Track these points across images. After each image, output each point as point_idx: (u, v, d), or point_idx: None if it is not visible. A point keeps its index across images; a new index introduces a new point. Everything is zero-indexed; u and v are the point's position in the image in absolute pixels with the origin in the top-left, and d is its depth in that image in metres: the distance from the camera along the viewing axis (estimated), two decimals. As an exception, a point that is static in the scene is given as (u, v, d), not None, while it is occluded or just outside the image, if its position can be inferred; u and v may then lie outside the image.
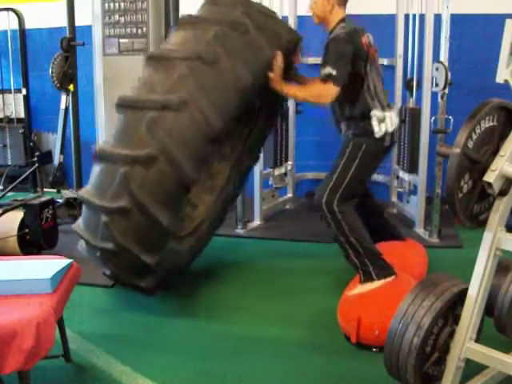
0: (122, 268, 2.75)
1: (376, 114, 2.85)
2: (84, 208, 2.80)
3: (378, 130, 2.85)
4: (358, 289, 2.77)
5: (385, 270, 2.78)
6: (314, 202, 2.87)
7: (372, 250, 2.82)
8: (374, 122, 2.85)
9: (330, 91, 2.73)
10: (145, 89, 2.62)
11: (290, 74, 3.12)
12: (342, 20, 2.90)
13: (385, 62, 4.84)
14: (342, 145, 2.97)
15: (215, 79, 2.57)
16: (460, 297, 1.98)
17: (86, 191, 2.73)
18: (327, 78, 2.72)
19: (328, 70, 2.72)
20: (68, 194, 4.76)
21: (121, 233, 2.57)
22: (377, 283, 2.75)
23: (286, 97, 3.34)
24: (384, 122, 2.85)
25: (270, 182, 4.64)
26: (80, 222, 2.85)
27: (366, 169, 2.93)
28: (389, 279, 2.76)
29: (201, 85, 2.54)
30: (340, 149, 2.96)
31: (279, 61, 2.81)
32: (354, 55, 2.77)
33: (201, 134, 2.57)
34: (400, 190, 4.67)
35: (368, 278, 2.77)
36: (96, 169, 2.71)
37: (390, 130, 2.88)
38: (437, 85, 3.85)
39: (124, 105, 2.66)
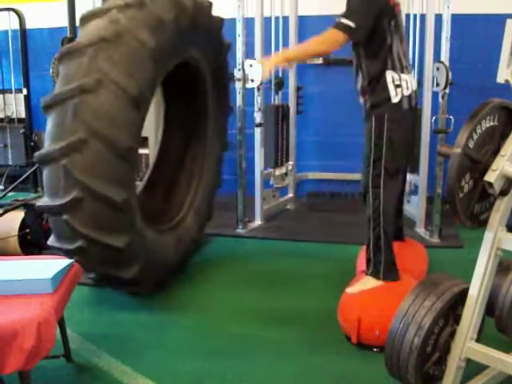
0: (99, 261, 2.76)
1: (392, 75, 2.74)
2: (50, 218, 2.84)
3: (394, 94, 2.74)
4: (360, 283, 2.78)
5: (392, 274, 2.79)
6: (361, 188, 2.85)
7: (390, 250, 2.80)
8: (390, 86, 2.75)
9: (337, 38, 2.57)
10: (63, 82, 2.70)
11: None
12: None
13: (385, 61, 4.84)
14: (365, 121, 2.88)
15: (121, 52, 2.68)
16: (461, 297, 1.98)
17: (43, 201, 2.79)
18: (341, 28, 2.56)
19: (346, 21, 2.56)
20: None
21: (82, 225, 2.62)
22: (378, 283, 2.76)
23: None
24: (400, 86, 2.75)
25: (270, 182, 4.64)
26: (52, 236, 2.87)
27: (396, 138, 2.78)
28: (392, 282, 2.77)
29: (110, 61, 2.64)
30: (365, 126, 2.87)
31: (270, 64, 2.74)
32: (380, 11, 2.64)
33: (121, 103, 2.65)
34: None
35: (375, 275, 2.77)
36: (44, 175, 2.78)
37: (407, 93, 2.76)
38: (438, 85, 3.85)
39: (48, 105, 2.74)
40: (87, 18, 2.81)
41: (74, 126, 2.60)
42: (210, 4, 3.31)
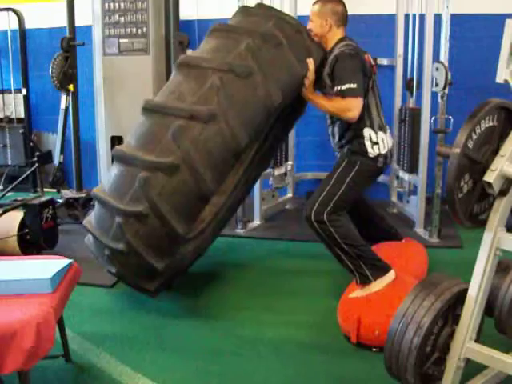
0: (130, 269, 2.74)
1: (369, 133, 2.86)
2: (97, 206, 2.79)
3: (372, 150, 2.86)
4: (357, 292, 2.77)
5: (379, 268, 2.78)
6: (304, 213, 2.85)
7: (365, 251, 2.80)
8: (367, 143, 2.86)
9: (355, 104, 2.73)
10: (174, 96, 2.59)
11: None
12: (342, 40, 2.89)
13: (385, 62, 4.84)
14: (338, 159, 2.98)
15: (246, 94, 2.55)
16: (460, 297, 1.98)
17: (102, 191, 2.72)
18: (350, 94, 2.71)
19: (346, 85, 2.71)
20: (68, 194, 4.76)
21: (134, 236, 2.57)
22: (375, 284, 2.75)
23: (307, 107, 3.32)
24: (377, 144, 2.86)
25: (269, 182, 4.64)
26: (91, 218, 2.84)
27: (357, 187, 2.90)
28: (386, 277, 2.76)
29: (231, 98, 2.52)
30: (335, 163, 2.96)
31: (312, 70, 2.80)
32: (363, 71, 2.78)
33: (226, 147, 2.56)
34: (400, 190, 4.67)
35: (365, 280, 2.77)
36: (114, 169, 2.70)
37: (383, 152, 2.88)
38: (437, 85, 3.85)
39: (151, 109, 2.64)
40: (219, 31, 2.65)
41: (170, 147, 2.51)
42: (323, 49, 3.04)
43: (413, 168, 4.29)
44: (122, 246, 2.61)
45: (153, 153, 2.54)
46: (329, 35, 2.90)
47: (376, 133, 2.87)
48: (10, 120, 5.72)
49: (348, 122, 2.84)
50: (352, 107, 2.74)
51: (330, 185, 2.85)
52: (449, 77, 3.77)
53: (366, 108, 2.83)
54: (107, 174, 2.74)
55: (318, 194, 2.84)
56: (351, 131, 2.88)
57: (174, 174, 2.51)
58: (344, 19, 2.95)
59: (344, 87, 2.72)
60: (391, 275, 2.78)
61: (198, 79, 2.54)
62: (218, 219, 3.20)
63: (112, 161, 2.85)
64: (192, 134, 2.51)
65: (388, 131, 3.01)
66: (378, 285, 2.75)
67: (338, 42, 2.88)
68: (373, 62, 2.94)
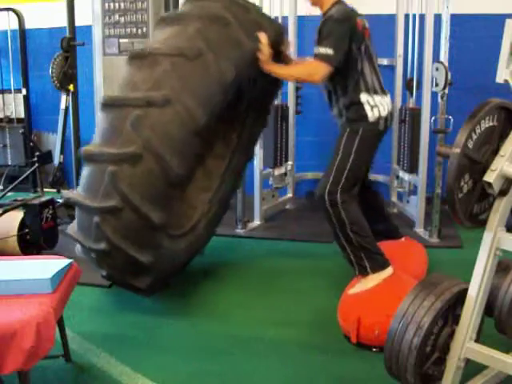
0: (117, 268, 2.74)
1: (367, 98, 2.83)
2: (76, 210, 2.80)
3: (371, 114, 2.83)
4: (358, 286, 2.78)
5: (379, 263, 2.79)
6: (316, 195, 2.85)
7: (369, 243, 2.81)
8: (367, 107, 2.83)
9: (322, 69, 2.71)
10: (129, 87, 2.61)
11: (282, 61, 3.06)
12: (335, 3, 2.85)
13: (385, 61, 4.83)
14: (340, 130, 2.95)
15: (198, 74, 2.57)
16: (460, 297, 1.98)
17: (76, 193, 2.73)
18: (322, 58, 2.70)
19: (324, 49, 2.69)
20: (68, 194, 4.75)
21: (113, 232, 2.57)
22: (372, 278, 2.76)
23: (275, 90, 3.37)
24: (376, 106, 2.84)
25: (270, 182, 4.64)
26: (74, 224, 2.85)
27: (364, 154, 2.88)
28: (383, 272, 2.77)
29: (184, 80, 2.54)
30: (337, 137, 2.93)
31: (265, 42, 2.77)
32: (351, 37, 2.75)
33: (185, 128, 2.57)
34: (400, 190, 4.67)
35: (363, 272, 2.78)
36: (85, 170, 2.71)
37: (383, 114, 2.86)
38: (437, 85, 3.85)
39: (109, 104, 2.66)
40: (167, 21, 2.69)
41: (130, 137, 2.52)
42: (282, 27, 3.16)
43: (413, 168, 4.29)
44: (103, 246, 2.60)
45: (115, 145, 2.54)
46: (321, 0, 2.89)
47: (372, 97, 2.84)
48: (10, 120, 5.72)
49: (313, 83, 2.83)
50: (319, 71, 2.72)
51: (338, 160, 2.83)
52: (449, 77, 3.77)
53: (359, 73, 2.82)
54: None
55: (328, 172, 2.83)
56: (348, 98, 2.86)
57: (139, 164, 2.51)
58: None
59: (320, 50, 2.70)
60: (389, 271, 2.79)
61: (150, 67, 2.56)
62: (210, 216, 3.29)
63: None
64: (150, 121, 2.51)
65: (388, 95, 2.97)
66: (375, 278, 2.76)
67: (332, 6, 2.85)
68: (366, 25, 2.88)
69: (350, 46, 2.76)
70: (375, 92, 2.87)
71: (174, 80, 2.51)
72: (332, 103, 3.00)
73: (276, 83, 3.28)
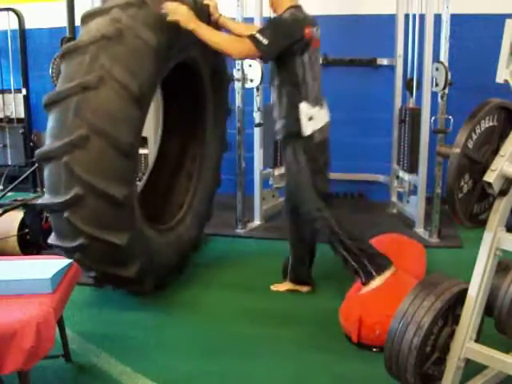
0: (101, 260, 2.78)
1: (304, 107, 2.84)
2: (50, 217, 2.87)
3: (305, 129, 2.84)
4: (365, 289, 2.78)
5: (382, 264, 2.81)
6: (303, 219, 2.99)
7: (367, 247, 2.87)
8: (303, 118, 2.83)
9: (247, 49, 2.72)
10: (65, 81, 2.71)
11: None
12: (293, 7, 2.87)
13: (385, 61, 4.85)
14: (283, 148, 3.02)
15: (123, 50, 2.70)
16: (460, 297, 1.98)
17: (44, 198, 2.81)
18: (255, 42, 2.70)
19: (261, 37, 2.70)
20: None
21: (84, 222, 2.64)
22: (378, 279, 2.77)
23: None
24: (312, 119, 2.85)
25: (270, 182, 4.64)
26: (52, 235, 2.90)
27: (316, 166, 2.91)
28: (387, 272, 2.80)
29: (112, 59, 2.66)
30: (284, 154, 3.01)
31: (181, 6, 2.78)
32: (291, 41, 2.76)
33: (124, 100, 2.67)
34: (400, 190, 4.67)
35: (369, 277, 2.78)
36: (45, 172, 2.79)
37: (317, 126, 2.88)
38: (437, 85, 3.85)
39: (50, 102, 2.75)
40: (88, 17, 2.82)
41: (75, 124, 2.61)
42: (208, 5, 3.26)
43: (413, 168, 4.29)
44: (80, 240, 2.67)
45: (63, 136, 2.64)
46: (276, 2, 2.92)
47: (311, 108, 2.85)
48: (10, 120, 5.72)
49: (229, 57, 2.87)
50: (242, 49, 2.75)
51: (300, 184, 2.92)
52: (449, 77, 3.77)
53: (302, 81, 2.83)
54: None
55: (302, 197, 2.93)
56: (288, 104, 2.87)
57: (88, 145, 2.60)
58: None
59: (257, 35, 2.71)
60: (392, 269, 2.81)
61: (80, 56, 2.69)
62: (195, 212, 3.55)
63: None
64: (90, 104, 2.62)
65: (325, 107, 2.99)
66: (379, 279, 2.78)
67: (286, 10, 2.86)
68: (316, 36, 2.90)
69: (292, 49, 2.77)
70: (315, 103, 2.88)
71: (102, 61, 2.64)
72: (275, 106, 3.00)
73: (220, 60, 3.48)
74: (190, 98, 3.64)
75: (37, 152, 2.78)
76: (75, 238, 2.68)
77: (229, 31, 3.19)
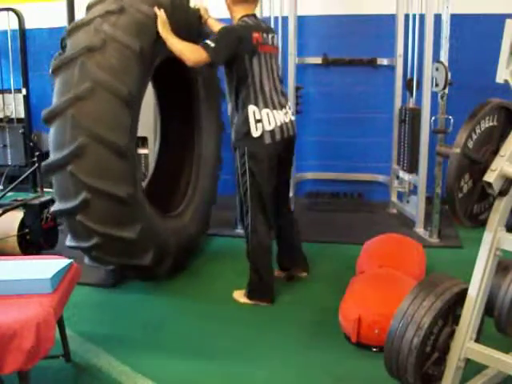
0: (115, 254, 2.98)
1: (253, 110, 2.94)
2: (64, 222, 3.03)
3: (255, 129, 2.94)
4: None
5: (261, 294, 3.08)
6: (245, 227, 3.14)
7: (266, 276, 3.08)
8: (251, 120, 2.93)
9: (201, 54, 2.88)
10: (59, 94, 2.86)
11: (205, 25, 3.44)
12: (246, 16, 3.04)
13: (385, 61, 4.85)
14: (234, 154, 3.09)
15: (109, 57, 2.83)
16: (460, 297, 1.98)
17: (55, 206, 2.98)
18: (204, 46, 2.89)
19: (208, 41, 2.89)
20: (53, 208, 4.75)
21: (94, 223, 2.83)
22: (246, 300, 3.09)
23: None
24: (260, 121, 2.94)
25: (269, 182, 4.63)
26: (68, 237, 3.07)
27: (258, 170, 2.98)
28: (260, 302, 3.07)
29: (99, 68, 2.79)
30: (234, 160, 3.10)
31: (159, 14, 2.96)
32: (239, 44, 2.91)
33: (115, 104, 2.81)
34: (400, 190, 4.67)
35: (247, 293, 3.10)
36: (53, 183, 2.96)
37: (268, 128, 2.95)
38: (437, 85, 3.85)
39: (48, 117, 2.89)
40: (73, 30, 2.95)
41: (74, 134, 2.76)
42: (198, 9, 3.46)
43: (413, 168, 4.29)
44: (94, 239, 2.88)
45: (65, 147, 2.79)
46: (231, 13, 3.12)
47: (260, 109, 2.94)
48: (10, 120, 5.72)
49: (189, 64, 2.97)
50: (194, 54, 2.91)
51: (240, 185, 3.05)
52: (449, 77, 3.77)
53: (250, 83, 2.95)
54: None
55: (241, 206, 3.12)
56: (239, 108, 3.00)
57: (88, 152, 2.76)
58: None
59: (206, 41, 2.91)
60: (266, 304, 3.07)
61: (70, 69, 2.83)
62: (196, 201, 3.74)
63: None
64: (84, 113, 2.76)
65: (284, 110, 3.07)
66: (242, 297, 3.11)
67: (239, 19, 3.05)
68: (266, 41, 3.03)
69: (240, 53, 2.92)
70: (265, 105, 2.96)
71: (90, 72, 2.78)
72: (230, 109, 3.11)
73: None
74: (181, 86, 3.77)
75: (43, 165, 2.94)
76: (90, 238, 2.88)
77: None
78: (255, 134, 2.93)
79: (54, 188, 2.96)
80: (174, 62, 3.33)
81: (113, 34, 2.83)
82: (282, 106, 3.06)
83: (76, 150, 2.75)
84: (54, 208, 2.99)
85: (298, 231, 3.44)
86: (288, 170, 3.31)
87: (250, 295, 3.09)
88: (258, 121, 2.93)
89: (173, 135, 4.03)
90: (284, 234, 3.36)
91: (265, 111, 2.95)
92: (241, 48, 2.91)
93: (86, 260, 3.14)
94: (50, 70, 2.94)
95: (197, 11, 3.42)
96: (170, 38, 2.97)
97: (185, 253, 3.49)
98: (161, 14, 2.97)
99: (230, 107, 3.13)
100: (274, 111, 2.99)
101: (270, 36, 3.07)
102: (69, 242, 3.04)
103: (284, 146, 3.08)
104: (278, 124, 2.99)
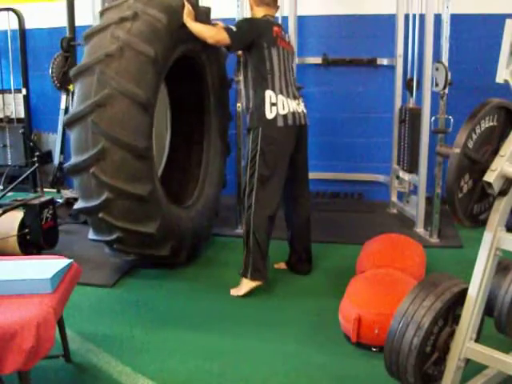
0: (136, 246, 3.21)
1: (270, 94, 3.15)
2: (76, 181, 3.18)
3: (269, 112, 3.13)
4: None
5: (260, 274, 3.18)
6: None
7: (261, 252, 3.19)
8: (267, 102, 3.14)
9: (222, 35, 3.13)
10: (79, 100, 3.01)
11: None
12: (267, 15, 3.30)
13: (385, 61, 4.85)
14: (247, 138, 3.29)
15: (125, 64, 2.96)
16: (460, 297, 1.98)
17: (78, 204, 3.17)
18: (226, 28, 3.15)
19: (231, 26, 3.16)
20: (68, 194, 4.76)
21: (116, 219, 3.04)
22: (249, 282, 3.16)
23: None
24: (276, 105, 3.14)
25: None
26: (91, 231, 3.30)
27: (269, 151, 3.14)
28: (254, 283, 3.17)
29: (117, 73, 2.94)
30: (246, 144, 3.31)
31: (186, 5, 3.21)
32: (259, 34, 3.16)
33: (133, 109, 2.96)
34: (400, 189, 4.67)
35: (244, 275, 3.18)
36: (75, 183, 3.17)
37: (282, 112, 3.14)
38: (437, 85, 3.85)
39: (70, 122, 3.05)
40: (90, 36, 3.09)
41: (95, 138, 2.94)
42: (209, 8, 3.59)
43: (413, 168, 4.29)
44: (116, 234, 3.09)
45: (88, 150, 2.97)
46: (253, 13, 3.37)
47: (276, 95, 3.16)
48: (10, 120, 5.72)
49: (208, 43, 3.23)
50: (217, 35, 3.16)
51: (248, 163, 3.19)
52: (449, 77, 3.76)
53: (269, 72, 3.17)
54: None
55: (244, 176, 3.22)
56: (255, 93, 3.20)
57: (110, 155, 2.94)
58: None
59: (229, 26, 3.18)
60: (258, 283, 3.18)
61: (89, 76, 2.98)
62: (206, 192, 3.92)
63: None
64: (104, 119, 2.93)
65: (296, 101, 3.26)
66: (245, 285, 3.17)
67: (261, 17, 3.30)
68: (284, 37, 3.31)
69: (260, 41, 3.15)
70: (280, 92, 3.18)
71: (108, 79, 2.92)
72: (244, 96, 3.34)
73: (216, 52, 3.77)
74: (190, 77, 3.89)
75: (65, 166, 3.17)
76: (112, 232, 3.11)
77: None
78: (269, 116, 3.12)
79: (77, 189, 3.17)
80: (184, 56, 3.46)
81: (127, 41, 2.95)
82: (296, 98, 3.26)
83: (97, 153, 2.92)
84: (76, 206, 3.18)
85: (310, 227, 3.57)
86: (305, 155, 3.42)
87: (252, 276, 3.17)
88: (273, 104, 3.13)
89: (183, 125, 4.14)
90: (299, 222, 3.47)
91: (280, 97, 3.16)
92: (261, 37, 3.15)
93: (106, 250, 3.38)
94: (72, 75, 3.10)
95: (206, 10, 3.56)
96: (193, 24, 3.21)
97: (199, 241, 3.71)
98: (187, 5, 3.21)
99: (243, 93, 3.36)
100: (288, 99, 3.19)
101: (287, 36, 3.36)
102: (91, 235, 3.28)
103: (296, 134, 3.24)
104: (291, 110, 3.18)
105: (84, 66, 3.00)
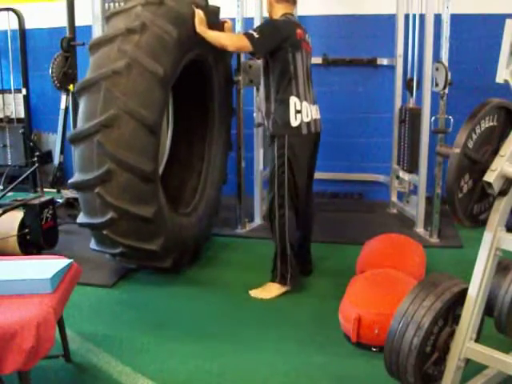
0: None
1: (294, 101, 3.07)
2: (80, 197, 3.12)
3: (294, 120, 3.06)
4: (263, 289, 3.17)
5: (295, 279, 3.18)
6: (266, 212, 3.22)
7: (296, 258, 3.19)
8: (292, 110, 3.06)
9: (244, 43, 3.02)
10: (85, 118, 2.94)
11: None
12: (283, 15, 3.17)
13: (385, 61, 4.84)
14: (269, 145, 3.22)
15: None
16: (460, 297, 1.98)
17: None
18: (247, 35, 3.03)
19: (252, 31, 3.04)
20: (68, 194, 4.76)
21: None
22: (281, 288, 3.17)
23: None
24: (300, 112, 3.08)
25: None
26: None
27: (296, 160, 3.10)
28: (283, 288, 3.17)
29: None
30: (269, 151, 3.23)
31: (197, 12, 3.15)
32: (283, 38, 3.03)
33: (140, 131, 2.90)
34: (400, 189, 4.67)
35: (281, 281, 3.18)
36: (80, 198, 3.12)
37: (306, 120, 3.09)
38: (437, 85, 3.85)
39: (74, 139, 2.99)
40: (96, 46, 3.01)
41: (100, 159, 2.88)
42: (218, 8, 3.57)
43: (413, 168, 4.29)
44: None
45: (93, 171, 2.92)
46: (272, 10, 3.22)
47: (301, 102, 3.09)
48: (10, 120, 5.72)
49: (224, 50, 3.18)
50: (238, 42, 3.10)
51: (275, 178, 3.10)
52: (449, 77, 3.77)
53: (293, 77, 3.08)
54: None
55: (270, 191, 3.14)
56: (278, 99, 3.10)
57: (116, 178, 2.88)
58: None
59: (249, 31, 3.06)
60: (285, 289, 3.18)
61: (95, 93, 2.90)
62: (207, 196, 3.86)
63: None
64: (110, 140, 2.86)
65: (315, 106, 3.21)
66: (276, 289, 3.16)
67: (281, 16, 3.18)
68: (307, 40, 3.21)
69: (284, 46, 3.03)
70: (304, 99, 3.11)
71: (116, 96, 2.85)
72: (265, 103, 3.20)
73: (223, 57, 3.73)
74: (194, 75, 3.80)
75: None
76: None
77: None
78: (294, 123, 3.06)
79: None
80: (191, 61, 3.39)
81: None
82: (315, 103, 3.23)
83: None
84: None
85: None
86: (316, 161, 3.41)
87: (282, 282, 3.18)
88: (297, 111, 3.07)
89: (185, 123, 4.10)
90: (304, 224, 3.42)
91: (304, 104, 3.10)
92: (285, 42, 3.02)
93: (91, 245, 3.28)
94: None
95: (216, 9, 3.53)
96: (208, 32, 3.15)
97: (200, 244, 3.69)
98: (198, 12, 3.15)
99: (260, 97, 3.25)
100: (311, 106, 3.15)
101: (307, 36, 3.23)
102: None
103: (314, 141, 3.23)
104: (313, 118, 3.16)
105: (90, 81, 2.92)
